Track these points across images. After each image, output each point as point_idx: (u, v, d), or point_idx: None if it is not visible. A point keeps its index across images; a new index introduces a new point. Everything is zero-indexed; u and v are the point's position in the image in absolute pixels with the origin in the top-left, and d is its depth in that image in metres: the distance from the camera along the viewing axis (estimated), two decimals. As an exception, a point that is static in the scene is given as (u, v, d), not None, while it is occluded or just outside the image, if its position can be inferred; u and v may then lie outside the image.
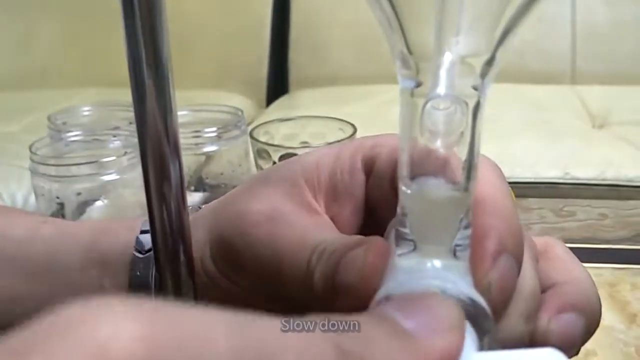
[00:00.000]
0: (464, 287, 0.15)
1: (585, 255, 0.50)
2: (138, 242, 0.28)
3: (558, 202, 0.62)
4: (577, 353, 0.20)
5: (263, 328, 0.13)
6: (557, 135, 1.10)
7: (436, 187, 0.16)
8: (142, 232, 0.28)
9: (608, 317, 0.43)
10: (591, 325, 0.20)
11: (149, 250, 0.29)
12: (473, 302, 0.15)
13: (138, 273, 0.28)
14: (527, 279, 0.19)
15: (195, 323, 0.11)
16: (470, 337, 0.14)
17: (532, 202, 0.62)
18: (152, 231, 0.20)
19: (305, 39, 1.49)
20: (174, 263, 0.21)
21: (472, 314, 0.14)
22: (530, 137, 1.10)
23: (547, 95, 1.32)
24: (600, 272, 0.48)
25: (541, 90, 1.34)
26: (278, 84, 1.51)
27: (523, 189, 0.92)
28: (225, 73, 1.46)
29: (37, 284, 0.29)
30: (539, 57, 1.41)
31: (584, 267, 0.22)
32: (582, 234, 0.56)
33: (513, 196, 0.45)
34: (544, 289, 0.21)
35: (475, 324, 0.14)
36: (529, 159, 1.01)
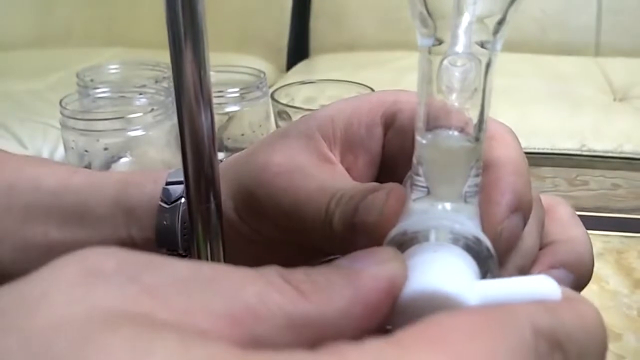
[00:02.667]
0: (471, 228, 0.16)
1: (594, 223, 0.51)
2: (165, 193, 0.30)
3: (572, 171, 0.63)
4: None
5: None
6: (577, 107, 1.10)
7: (450, 138, 0.17)
8: (168, 183, 0.30)
9: (614, 281, 0.45)
10: (579, 283, 0.22)
11: (175, 201, 0.30)
12: (478, 241, 0.16)
13: (165, 222, 0.30)
14: (528, 237, 0.21)
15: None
16: (473, 271, 0.16)
17: (546, 170, 0.63)
18: (185, 176, 0.22)
19: (326, 5, 1.49)
20: (204, 208, 0.23)
21: (477, 251, 0.16)
22: (549, 108, 1.09)
23: (570, 66, 1.31)
24: (609, 240, 0.50)
25: (564, 62, 1.33)
26: (299, 50, 1.51)
27: (539, 159, 0.92)
28: (247, 38, 1.47)
29: (70, 232, 0.31)
30: (563, 29, 1.40)
31: (584, 228, 0.24)
32: (594, 203, 0.57)
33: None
34: (542, 246, 0.22)
35: (479, 260, 0.16)
36: (546, 130, 1.01)
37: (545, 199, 0.24)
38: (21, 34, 1.54)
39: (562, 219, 0.24)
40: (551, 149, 0.98)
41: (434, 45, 0.17)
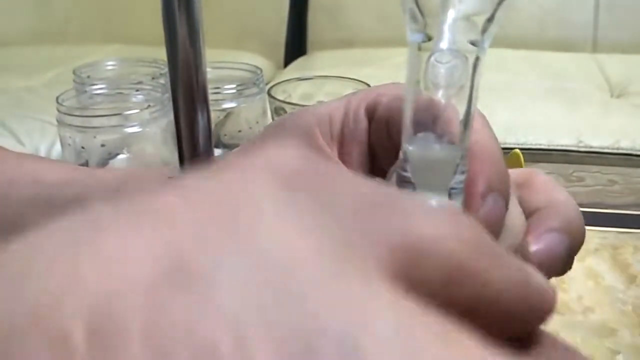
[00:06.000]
0: None
1: (590, 219, 0.51)
2: None
3: (568, 167, 0.63)
4: (564, 271, 0.22)
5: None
6: (575, 103, 1.10)
7: (435, 138, 0.17)
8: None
9: (609, 277, 0.45)
10: (574, 243, 0.22)
11: None
12: None
13: None
14: (515, 216, 0.21)
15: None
16: None
17: (543, 166, 0.63)
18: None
19: (324, 1, 1.49)
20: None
21: None
22: (547, 105, 1.09)
23: (567, 63, 1.31)
24: (605, 235, 0.50)
25: (561, 58, 1.33)
26: (296, 46, 1.51)
27: (536, 155, 0.92)
28: (245, 34, 1.47)
29: None
30: (560, 25, 1.40)
31: (565, 192, 0.24)
32: (590, 199, 0.57)
33: (522, 161, 0.46)
34: (527, 216, 0.22)
35: None
36: (544, 126, 1.01)
37: (521, 171, 0.24)
38: (18, 31, 1.54)
39: (542, 187, 0.23)
40: (548, 145, 0.98)
41: (423, 41, 0.17)
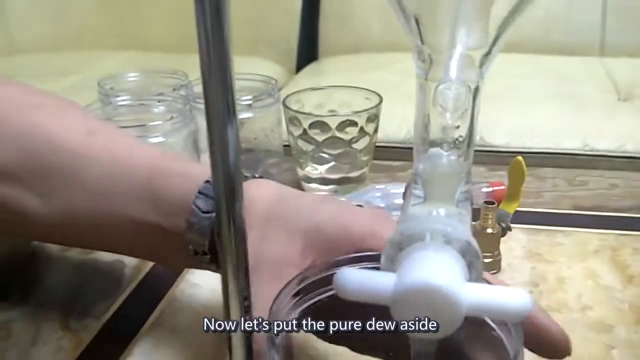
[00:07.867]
0: (462, 231, 0.19)
1: (591, 222, 0.53)
2: (197, 202, 0.33)
3: (572, 172, 0.65)
4: None
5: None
6: (581, 106, 1.11)
7: (443, 156, 0.20)
8: (200, 192, 0.33)
9: (608, 278, 0.47)
10: None
11: (207, 212, 0.33)
12: (468, 244, 0.19)
13: (197, 226, 0.33)
14: None
15: None
16: (462, 271, 0.18)
17: (547, 171, 0.66)
18: (214, 184, 0.25)
19: (335, 8, 1.52)
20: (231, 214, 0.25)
21: (467, 252, 0.19)
22: (553, 108, 1.11)
23: (574, 66, 1.32)
24: (605, 237, 0.52)
25: (568, 62, 1.35)
26: (308, 52, 1.54)
27: (541, 159, 0.94)
28: (257, 40, 1.50)
29: (97, 203, 0.34)
30: (567, 29, 1.41)
31: None
32: (592, 202, 0.59)
33: (524, 168, 0.48)
34: None
35: (467, 260, 0.19)
36: (550, 129, 1.03)
37: None
38: (34, 38, 1.58)
39: None
40: (554, 149, 0.99)
41: (429, 73, 0.20)
